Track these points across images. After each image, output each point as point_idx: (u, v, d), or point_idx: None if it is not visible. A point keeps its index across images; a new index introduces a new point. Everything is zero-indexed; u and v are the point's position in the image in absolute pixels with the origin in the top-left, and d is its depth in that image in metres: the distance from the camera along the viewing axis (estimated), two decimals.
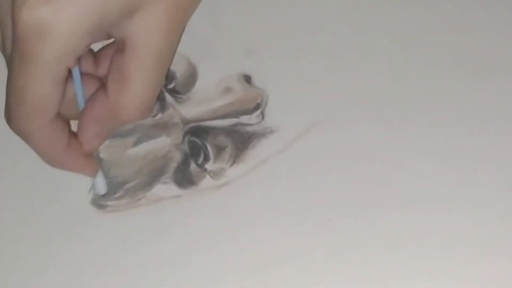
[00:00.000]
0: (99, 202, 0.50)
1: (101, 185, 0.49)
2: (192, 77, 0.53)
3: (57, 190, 0.50)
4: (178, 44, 0.45)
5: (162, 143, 0.51)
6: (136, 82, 0.43)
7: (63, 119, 0.46)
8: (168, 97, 0.52)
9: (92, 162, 0.48)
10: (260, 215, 0.49)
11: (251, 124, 0.52)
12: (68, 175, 0.50)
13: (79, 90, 0.45)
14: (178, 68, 0.53)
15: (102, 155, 0.51)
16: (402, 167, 0.50)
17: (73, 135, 0.47)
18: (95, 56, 0.47)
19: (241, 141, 0.51)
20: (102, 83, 0.45)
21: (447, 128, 0.50)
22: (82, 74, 0.45)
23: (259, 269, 0.48)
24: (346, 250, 0.48)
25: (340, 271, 0.48)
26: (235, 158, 0.51)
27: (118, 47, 0.44)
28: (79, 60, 0.43)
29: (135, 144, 0.51)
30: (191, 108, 0.52)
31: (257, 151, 0.51)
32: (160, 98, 0.52)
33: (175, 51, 0.44)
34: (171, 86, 0.53)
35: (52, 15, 0.40)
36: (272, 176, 0.50)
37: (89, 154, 0.47)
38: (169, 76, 0.53)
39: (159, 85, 0.44)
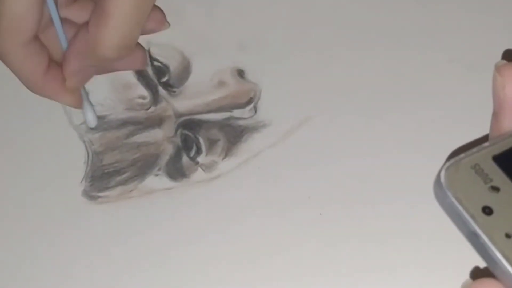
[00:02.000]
0: (90, 193, 0.50)
1: (90, 118, 0.51)
2: (185, 70, 0.53)
3: (48, 181, 0.50)
4: None
5: (154, 136, 0.52)
6: (115, 17, 0.44)
7: (42, 44, 0.48)
8: (161, 91, 0.53)
9: (75, 94, 0.49)
10: (251, 208, 0.49)
11: (244, 118, 0.52)
12: (59, 165, 0.51)
13: (57, 23, 0.47)
14: (172, 61, 0.53)
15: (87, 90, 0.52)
16: (394, 162, 0.50)
17: (56, 65, 0.48)
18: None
19: (234, 135, 0.51)
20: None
21: (439, 123, 0.51)
22: (66, 20, 0.48)
23: (250, 262, 0.48)
24: (337, 244, 0.48)
25: (331, 264, 0.48)
26: (227, 151, 0.51)
27: None
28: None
29: (128, 136, 0.52)
30: (184, 102, 0.52)
31: (250, 145, 0.51)
32: (154, 91, 0.52)
33: None
34: (164, 79, 0.53)
35: None
36: (264, 169, 0.50)
37: (74, 90, 0.49)
38: (163, 70, 0.53)
39: (139, 24, 0.46)
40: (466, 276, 0.43)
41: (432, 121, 0.51)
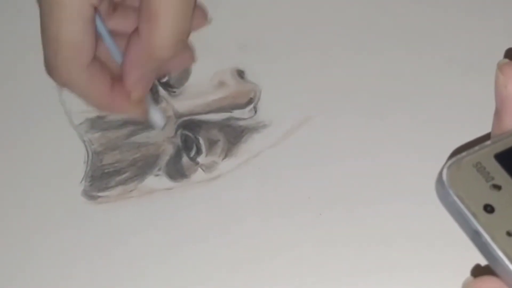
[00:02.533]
0: (90, 193, 0.50)
1: (158, 119, 0.51)
2: (186, 71, 0.53)
3: (48, 181, 0.50)
4: None
5: (154, 136, 0.52)
6: (164, 16, 0.44)
7: (101, 63, 0.48)
8: (162, 91, 0.53)
9: (141, 104, 0.49)
10: (251, 209, 0.49)
11: (244, 119, 0.52)
12: (59, 165, 0.51)
13: (107, 39, 0.47)
14: None
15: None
16: (394, 161, 0.50)
17: (118, 80, 0.48)
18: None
19: (234, 135, 0.51)
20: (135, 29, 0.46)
21: (439, 123, 0.51)
22: (112, 32, 0.47)
23: (250, 262, 0.48)
24: (336, 244, 0.48)
25: (330, 264, 0.48)
26: (227, 152, 0.51)
27: None
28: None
29: (128, 136, 0.52)
30: (185, 102, 0.52)
31: (249, 145, 0.51)
32: (154, 92, 0.52)
33: None
34: (164, 79, 0.53)
35: None
36: (263, 170, 0.50)
37: (139, 100, 0.49)
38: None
39: (187, 20, 0.46)
40: (467, 274, 0.43)
41: (432, 120, 0.51)
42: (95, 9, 0.45)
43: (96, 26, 0.46)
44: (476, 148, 0.34)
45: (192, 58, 0.53)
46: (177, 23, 0.45)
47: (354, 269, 0.47)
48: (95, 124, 0.52)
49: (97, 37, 0.47)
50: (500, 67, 0.37)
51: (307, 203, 0.49)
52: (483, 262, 0.33)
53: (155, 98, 0.52)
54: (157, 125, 0.51)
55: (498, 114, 0.37)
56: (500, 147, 0.35)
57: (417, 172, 0.49)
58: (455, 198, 0.33)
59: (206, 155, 0.51)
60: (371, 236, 0.48)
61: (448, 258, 0.46)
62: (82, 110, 0.52)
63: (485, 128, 0.50)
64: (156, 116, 0.51)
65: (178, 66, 0.52)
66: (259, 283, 0.47)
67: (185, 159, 0.51)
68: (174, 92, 0.53)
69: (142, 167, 0.51)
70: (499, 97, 0.37)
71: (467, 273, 0.45)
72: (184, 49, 0.48)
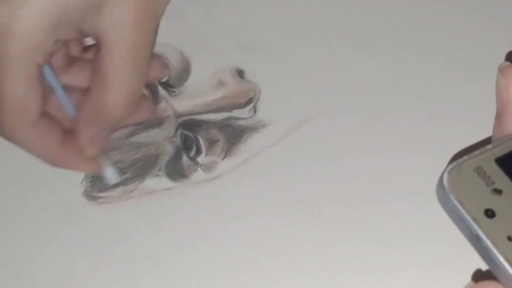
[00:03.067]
0: (91, 193, 0.50)
1: (112, 175, 0.49)
2: (185, 71, 0.53)
3: (49, 182, 0.50)
4: (154, 37, 0.45)
5: (154, 136, 0.52)
6: (114, 78, 0.43)
7: (52, 119, 0.46)
8: (161, 91, 0.53)
9: (95, 161, 0.48)
10: (251, 208, 0.49)
11: (244, 118, 0.52)
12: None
13: (60, 93, 0.46)
14: (172, 61, 0.53)
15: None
16: (394, 163, 0.50)
17: (70, 133, 0.47)
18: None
19: (233, 135, 0.51)
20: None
21: (438, 123, 0.51)
22: (68, 87, 0.46)
23: (250, 261, 0.48)
24: (335, 243, 0.48)
25: (329, 264, 0.48)
26: (227, 151, 0.51)
27: (97, 46, 0.44)
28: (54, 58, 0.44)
29: (128, 136, 0.52)
30: (184, 102, 0.52)
31: (249, 145, 0.51)
32: (153, 92, 0.53)
33: (151, 45, 0.45)
34: (164, 79, 0.53)
35: (10, 14, 0.41)
36: (263, 169, 0.50)
37: (93, 157, 0.47)
38: None
39: (140, 80, 0.44)
40: (468, 278, 0.44)
41: (432, 120, 0.51)
42: (44, 66, 0.44)
43: (47, 80, 0.45)
44: (477, 152, 0.34)
45: (151, 110, 0.50)
46: (128, 84, 0.44)
47: (353, 268, 0.48)
48: None
49: (50, 90, 0.46)
50: (501, 70, 0.37)
51: (307, 202, 0.49)
52: (484, 266, 0.33)
53: (155, 98, 0.52)
54: (110, 182, 0.49)
55: (499, 117, 0.37)
56: (501, 151, 0.35)
57: (417, 172, 0.49)
58: (456, 203, 0.33)
59: (206, 155, 0.51)
60: (370, 235, 0.48)
61: (450, 260, 0.47)
62: None
63: (486, 127, 0.50)
64: (110, 173, 0.49)
65: (136, 119, 0.50)
66: (258, 282, 0.48)
67: (185, 159, 0.51)
68: (174, 91, 0.53)
69: (142, 167, 0.51)
70: (500, 100, 0.37)
71: (468, 276, 0.45)
72: (140, 104, 0.46)
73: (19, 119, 0.45)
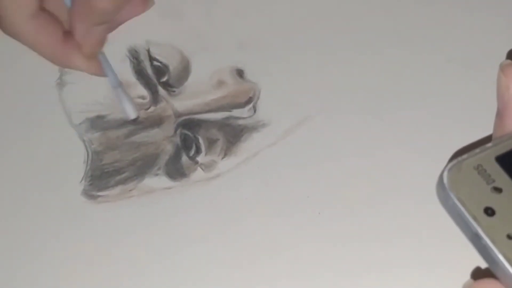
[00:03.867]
0: (90, 192, 0.50)
1: (129, 109, 0.51)
2: (185, 70, 0.53)
3: (48, 181, 0.50)
4: None
5: (154, 136, 0.52)
6: None
7: (51, 15, 0.49)
8: (161, 90, 0.53)
9: (94, 62, 0.51)
10: (250, 208, 0.49)
11: (243, 118, 0.52)
12: (59, 165, 0.51)
13: None
14: (171, 61, 0.53)
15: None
16: (393, 162, 0.50)
17: (70, 34, 0.50)
18: None
19: (233, 134, 0.51)
20: None
21: (438, 122, 0.51)
22: None
23: (250, 261, 0.48)
24: (335, 243, 0.48)
25: (329, 263, 0.48)
26: (227, 151, 0.51)
27: None
28: None
29: (128, 136, 0.52)
30: (184, 101, 0.52)
31: (249, 145, 0.51)
32: (153, 91, 0.53)
33: None
34: (164, 79, 0.53)
35: None
36: (263, 169, 0.50)
37: (91, 54, 0.50)
38: (162, 70, 0.53)
39: None
40: (467, 276, 0.44)
41: (432, 121, 0.51)
42: None
43: None
44: (477, 150, 0.34)
45: (144, 3, 0.54)
46: None
47: (353, 268, 0.48)
48: (95, 123, 0.52)
49: None
50: (502, 68, 0.37)
51: (306, 202, 0.49)
52: (484, 264, 0.33)
53: (155, 97, 0.52)
54: (129, 116, 0.51)
55: (500, 116, 0.37)
56: (502, 149, 0.35)
57: (416, 171, 0.49)
58: (456, 201, 0.33)
59: (206, 154, 0.51)
60: (370, 235, 0.48)
61: (449, 259, 0.47)
62: (82, 109, 0.52)
63: (486, 127, 0.50)
64: (127, 106, 0.51)
65: (129, 15, 0.53)
66: (258, 282, 0.48)
67: (184, 159, 0.51)
68: (174, 91, 0.53)
69: (142, 166, 0.51)
70: (501, 99, 0.37)
71: (467, 274, 0.45)
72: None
73: (18, 12, 0.47)
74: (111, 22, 0.51)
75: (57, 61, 0.51)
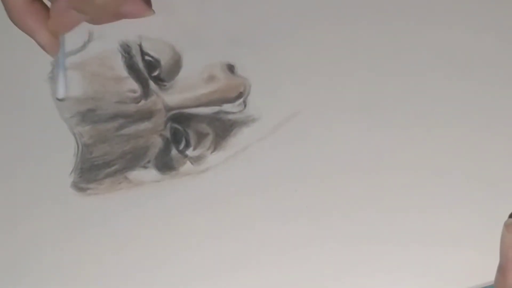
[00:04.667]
0: (79, 185, 0.50)
1: (60, 86, 0.51)
2: (176, 65, 0.54)
3: (38, 173, 0.51)
4: None
5: (144, 129, 0.52)
6: None
7: None
8: (152, 84, 0.53)
9: (54, 38, 0.50)
10: (239, 201, 0.50)
11: (233, 113, 0.52)
12: (49, 157, 0.51)
13: None
14: (163, 56, 0.54)
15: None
16: (381, 157, 0.50)
17: (42, 2, 0.50)
18: None
19: (223, 129, 0.52)
20: None
21: (427, 120, 0.51)
22: None
23: (237, 253, 0.48)
24: (321, 236, 0.48)
25: (316, 256, 0.48)
26: (216, 145, 0.51)
27: None
28: None
29: (118, 129, 0.52)
30: (175, 96, 0.53)
31: (238, 139, 0.51)
32: (144, 85, 0.53)
33: None
34: (155, 73, 0.53)
35: None
36: (252, 163, 0.51)
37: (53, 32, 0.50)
38: (154, 64, 0.54)
39: None
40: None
41: (422, 117, 0.51)
42: None
43: None
44: None
45: (145, 10, 0.53)
46: None
47: (340, 261, 0.48)
48: (86, 117, 0.52)
49: None
50: (507, 226, 0.38)
51: (294, 196, 0.50)
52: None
53: (146, 91, 0.53)
54: (57, 94, 0.52)
55: (502, 271, 0.37)
56: None
57: (406, 168, 0.50)
58: None
59: (195, 148, 0.51)
60: (357, 229, 0.48)
61: (435, 257, 0.47)
62: (73, 103, 0.52)
63: (475, 126, 0.50)
64: (59, 83, 0.51)
65: (130, 13, 0.53)
66: (245, 274, 0.48)
67: (174, 152, 0.51)
68: (165, 85, 0.53)
69: (131, 159, 0.51)
70: (504, 256, 0.37)
71: (452, 271, 0.45)
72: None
73: None
74: (93, 16, 0.51)
75: (18, 21, 0.50)
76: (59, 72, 0.51)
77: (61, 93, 0.51)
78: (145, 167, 0.51)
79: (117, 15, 0.52)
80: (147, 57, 0.54)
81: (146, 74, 0.53)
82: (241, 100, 0.52)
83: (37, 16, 0.49)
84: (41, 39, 0.50)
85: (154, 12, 0.54)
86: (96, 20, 0.52)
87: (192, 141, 0.51)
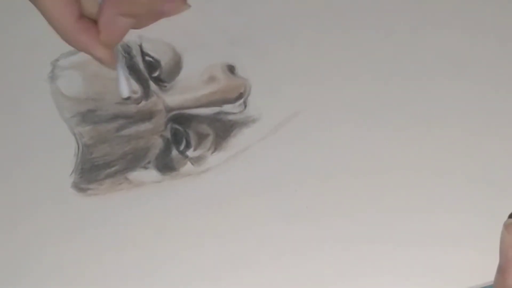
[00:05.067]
0: (80, 185, 0.51)
1: (124, 87, 0.51)
2: (176, 65, 0.54)
3: (38, 173, 0.51)
4: None
5: (144, 130, 0.52)
6: None
7: None
8: (153, 85, 0.53)
9: (109, 50, 0.50)
10: (239, 202, 0.50)
11: (234, 113, 0.52)
12: (49, 158, 0.51)
13: None
14: (163, 56, 0.54)
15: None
16: (381, 158, 0.50)
17: (89, 19, 0.50)
18: None
19: (223, 129, 0.52)
20: None
21: (427, 121, 0.51)
22: None
23: (238, 254, 0.49)
24: (322, 236, 0.48)
25: (316, 257, 0.48)
26: (217, 145, 0.51)
27: None
28: None
29: (118, 130, 0.52)
30: (175, 96, 0.53)
31: (239, 139, 0.51)
32: (145, 86, 0.53)
33: None
34: (155, 74, 0.53)
35: None
36: (252, 163, 0.51)
37: (106, 43, 0.50)
38: (154, 65, 0.54)
39: None
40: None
41: (420, 117, 0.51)
42: None
43: None
44: None
45: (182, 4, 0.53)
46: None
47: (339, 261, 0.48)
48: (86, 117, 0.52)
49: None
50: (506, 226, 0.37)
51: (295, 196, 0.50)
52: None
53: (146, 92, 0.53)
54: (121, 93, 0.52)
55: (501, 272, 0.37)
56: None
57: (405, 167, 0.50)
58: None
59: (196, 149, 0.51)
60: (358, 230, 0.49)
61: (434, 257, 0.47)
62: (73, 103, 0.52)
63: (471, 127, 0.50)
64: (122, 83, 0.51)
65: (171, 10, 0.53)
66: (245, 274, 0.48)
67: (174, 153, 0.51)
68: (165, 86, 0.53)
69: (132, 160, 0.51)
70: (504, 256, 0.37)
71: (450, 271, 0.45)
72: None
73: None
74: (138, 18, 0.51)
75: (68, 37, 0.50)
76: (120, 74, 0.52)
77: (125, 93, 0.52)
78: (145, 167, 0.51)
79: (159, 14, 0.52)
80: (147, 58, 0.54)
81: (146, 75, 0.53)
82: (241, 101, 0.52)
83: (88, 32, 0.49)
84: (97, 54, 0.50)
85: (190, 6, 0.54)
86: (140, 22, 0.52)
87: (193, 141, 0.51)
